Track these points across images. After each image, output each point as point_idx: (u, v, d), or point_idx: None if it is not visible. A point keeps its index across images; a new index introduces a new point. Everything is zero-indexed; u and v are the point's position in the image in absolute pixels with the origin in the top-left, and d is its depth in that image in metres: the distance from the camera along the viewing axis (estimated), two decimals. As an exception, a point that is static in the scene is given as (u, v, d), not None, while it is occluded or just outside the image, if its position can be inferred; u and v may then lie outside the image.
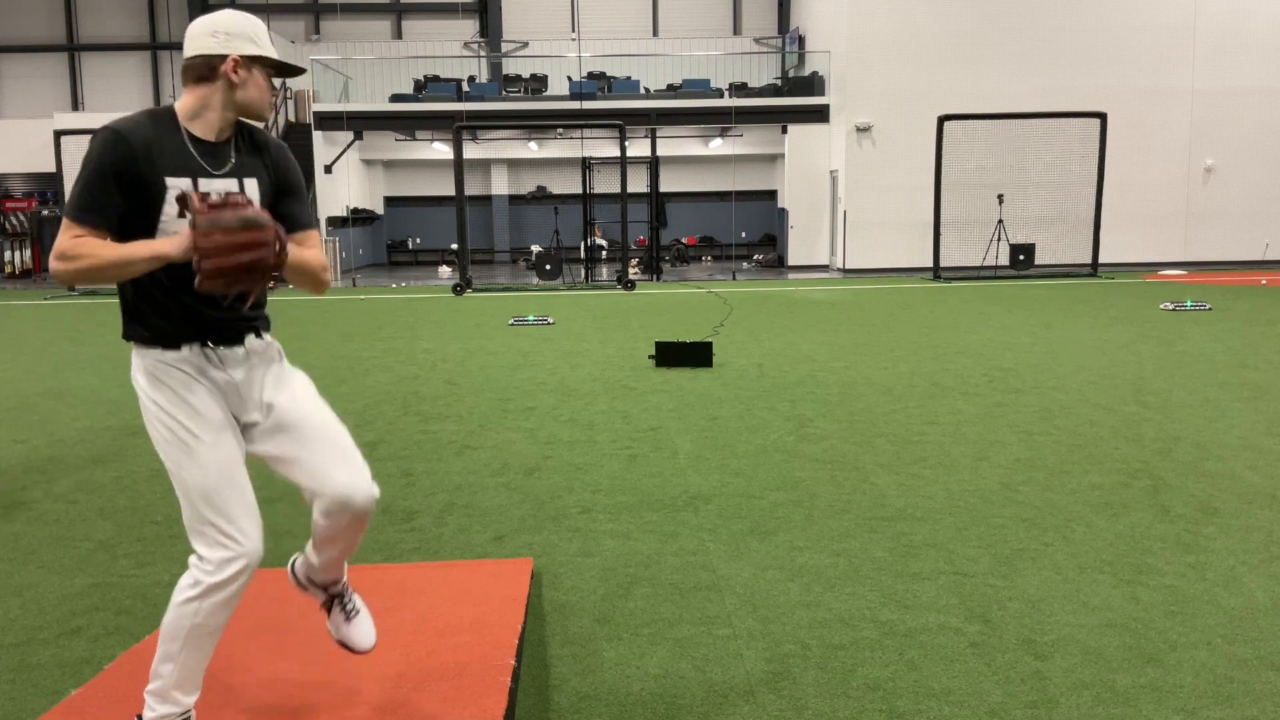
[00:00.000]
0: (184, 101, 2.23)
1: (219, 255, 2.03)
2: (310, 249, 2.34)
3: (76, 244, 2.08)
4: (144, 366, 2.23)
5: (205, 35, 2.19)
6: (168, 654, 2.23)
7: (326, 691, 2.62)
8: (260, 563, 2.27)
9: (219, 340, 2.26)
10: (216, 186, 2.22)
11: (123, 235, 2.14)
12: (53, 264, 2.09)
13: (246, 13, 2.27)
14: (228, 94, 2.22)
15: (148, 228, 2.17)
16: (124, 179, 2.12)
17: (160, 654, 2.25)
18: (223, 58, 2.19)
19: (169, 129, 2.20)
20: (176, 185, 2.17)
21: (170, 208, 2.17)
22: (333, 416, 2.39)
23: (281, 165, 2.37)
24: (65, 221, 2.12)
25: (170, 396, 2.21)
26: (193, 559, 2.21)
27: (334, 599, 2.58)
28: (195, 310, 2.23)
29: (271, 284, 2.14)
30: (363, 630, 2.57)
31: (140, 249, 2.09)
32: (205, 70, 2.20)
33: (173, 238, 2.10)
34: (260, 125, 2.42)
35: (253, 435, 2.32)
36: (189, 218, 2.04)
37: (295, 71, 2.36)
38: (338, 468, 2.30)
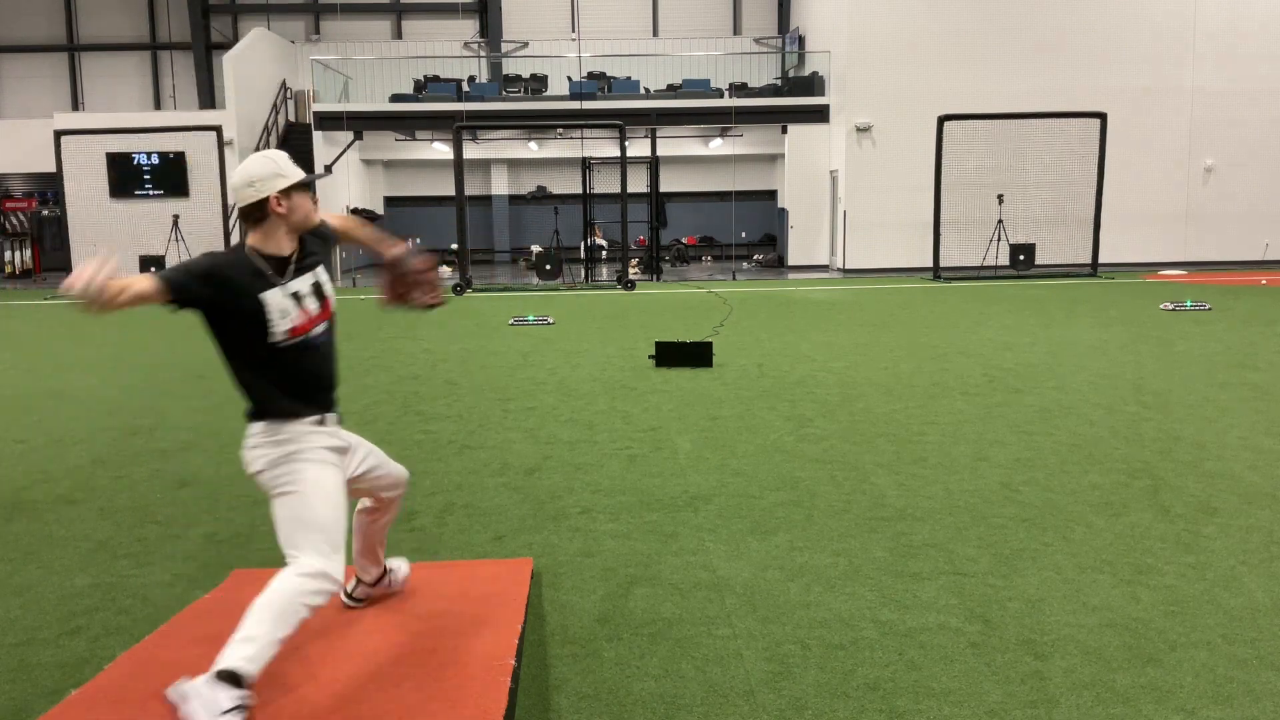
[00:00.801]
0: (252, 238, 2.68)
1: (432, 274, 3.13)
2: (337, 218, 3.10)
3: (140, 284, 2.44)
4: (281, 438, 2.68)
5: (244, 188, 2.63)
6: (271, 624, 2.43)
7: (326, 691, 2.62)
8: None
9: (332, 408, 2.84)
10: (296, 285, 2.71)
11: (240, 351, 2.66)
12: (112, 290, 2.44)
13: (267, 151, 2.72)
14: (282, 222, 2.68)
15: (263, 331, 2.62)
16: (202, 289, 2.55)
17: (258, 625, 2.42)
18: (265, 200, 2.63)
19: (249, 264, 2.65)
20: (268, 295, 2.63)
21: (275, 313, 2.64)
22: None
23: (324, 230, 2.91)
24: (152, 275, 2.50)
25: (311, 459, 2.71)
26: (298, 567, 2.54)
27: (386, 573, 3.28)
28: (308, 373, 2.78)
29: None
30: (402, 569, 3.37)
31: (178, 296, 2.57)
32: (259, 214, 2.65)
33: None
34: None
35: (355, 475, 2.95)
36: (406, 261, 3.08)
37: (315, 176, 2.84)
38: (394, 463, 3.17)
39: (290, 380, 2.69)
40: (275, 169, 2.65)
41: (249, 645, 2.37)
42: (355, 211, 23.75)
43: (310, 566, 2.51)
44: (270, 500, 2.66)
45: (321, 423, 2.76)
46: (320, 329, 2.77)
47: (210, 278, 2.56)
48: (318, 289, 2.76)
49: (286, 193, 2.65)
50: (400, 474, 3.15)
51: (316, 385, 2.77)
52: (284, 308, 2.66)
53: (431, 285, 3.10)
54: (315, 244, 2.82)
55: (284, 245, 2.70)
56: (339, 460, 2.80)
